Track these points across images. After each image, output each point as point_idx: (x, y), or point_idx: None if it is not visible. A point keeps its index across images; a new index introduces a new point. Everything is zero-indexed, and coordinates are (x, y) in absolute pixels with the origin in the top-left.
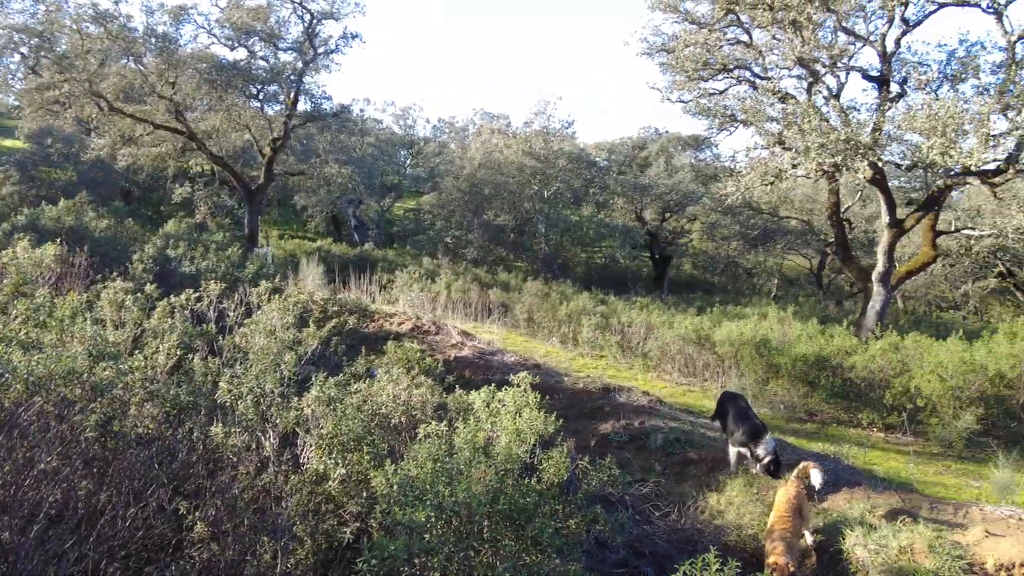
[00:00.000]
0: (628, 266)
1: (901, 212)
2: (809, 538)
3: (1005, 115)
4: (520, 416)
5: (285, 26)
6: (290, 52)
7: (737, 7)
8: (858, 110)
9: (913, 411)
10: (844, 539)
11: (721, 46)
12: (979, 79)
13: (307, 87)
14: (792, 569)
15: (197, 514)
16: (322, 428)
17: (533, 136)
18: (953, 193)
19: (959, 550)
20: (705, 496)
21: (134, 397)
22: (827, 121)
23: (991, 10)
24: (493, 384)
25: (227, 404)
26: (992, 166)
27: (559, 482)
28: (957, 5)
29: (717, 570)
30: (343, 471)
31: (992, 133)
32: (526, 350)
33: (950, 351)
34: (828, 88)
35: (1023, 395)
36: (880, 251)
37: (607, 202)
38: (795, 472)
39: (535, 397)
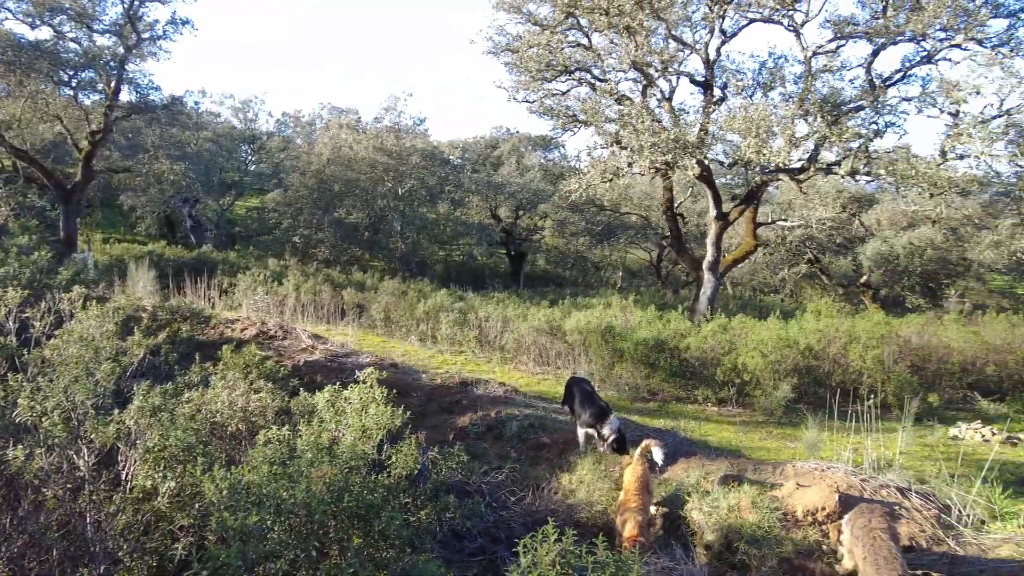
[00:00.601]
0: (486, 263)
1: (726, 206)
2: (653, 509)
3: (805, 120)
4: (366, 412)
5: (101, 5)
6: (108, 36)
7: (576, 11)
8: (687, 112)
9: (740, 385)
10: (683, 505)
11: (563, 48)
12: (785, 87)
13: (131, 75)
14: (642, 539)
15: None
16: (148, 441)
17: (384, 132)
18: (770, 189)
19: (776, 503)
20: (558, 477)
21: None
22: (659, 122)
23: (791, 28)
24: (338, 384)
25: (29, 423)
26: (798, 165)
27: (409, 475)
28: (764, 21)
29: (555, 540)
30: (173, 484)
31: (796, 135)
32: (383, 350)
33: (769, 330)
34: (661, 91)
35: (828, 364)
36: (709, 242)
37: (463, 200)
38: (638, 450)
39: (382, 392)
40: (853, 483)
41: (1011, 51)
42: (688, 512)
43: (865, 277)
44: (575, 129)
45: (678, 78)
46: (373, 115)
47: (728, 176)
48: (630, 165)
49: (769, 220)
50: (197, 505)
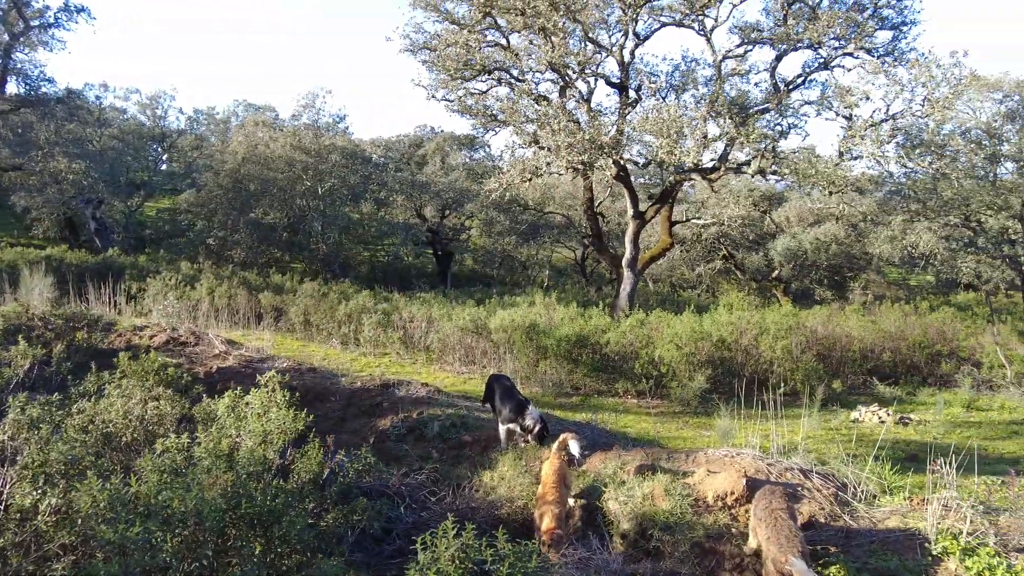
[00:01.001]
0: (413, 263)
1: (644, 205)
2: (572, 501)
3: (716, 122)
4: (268, 417)
5: None
6: None
7: (493, 11)
8: (604, 114)
9: (658, 377)
10: (600, 496)
11: (481, 47)
12: (696, 90)
13: (19, 65)
14: (559, 531)
15: None
16: (27, 456)
17: (302, 130)
18: (686, 188)
19: (688, 489)
20: (479, 475)
21: None
22: (576, 123)
23: (702, 33)
24: (239, 389)
25: None
26: (710, 164)
27: (316, 479)
28: (676, 26)
29: (455, 535)
30: (55, 501)
31: (708, 136)
32: (303, 355)
33: (684, 323)
34: (579, 92)
35: (740, 355)
36: (627, 240)
37: (387, 199)
38: (556, 444)
39: (284, 396)
40: (760, 467)
41: (895, 61)
42: (605, 503)
43: (776, 272)
44: (496, 129)
45: (595, 80)
46: (291, 112)
47: (645, 176)
48: (548, 165)
49: (684, 218)
50: (80, 521)
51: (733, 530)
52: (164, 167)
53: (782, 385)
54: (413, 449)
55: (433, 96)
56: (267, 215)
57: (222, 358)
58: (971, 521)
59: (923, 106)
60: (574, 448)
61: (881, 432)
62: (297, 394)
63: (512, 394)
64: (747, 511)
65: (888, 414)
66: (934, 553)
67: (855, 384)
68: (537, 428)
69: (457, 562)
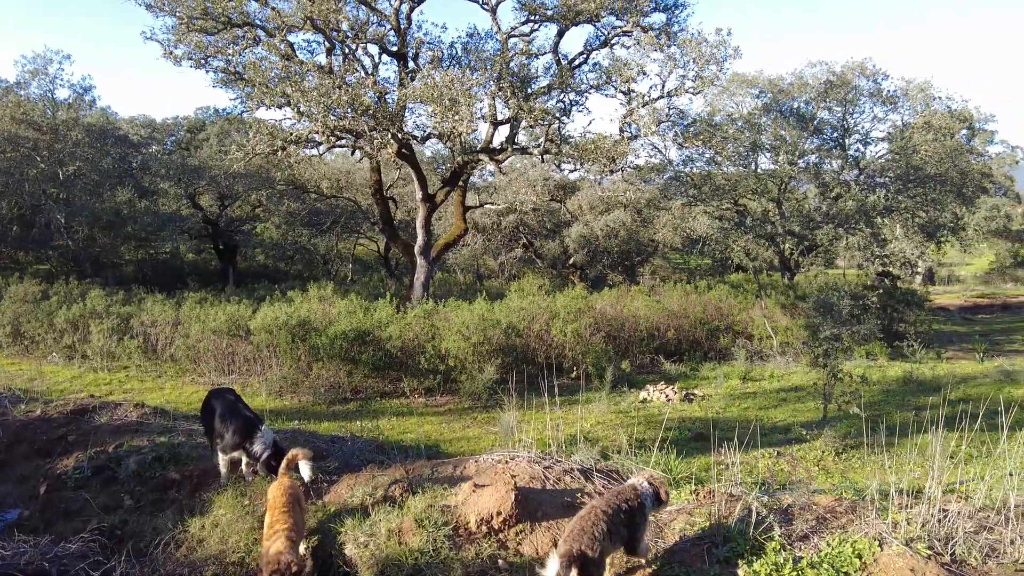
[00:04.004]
0: (195, 259)
1: (433, 188)
2: (303, 548)
3: (506, 102)
4: None
5: None
6: None
7: None
8: (384, 83)
9: (446, 372)
10: (338, 536)
11: None
12: (482, 65)
13: None
14: (289, 558)
15: None
16: None
17: (26, 102)
18: (487, 177)
19: (447, 515)
20: (186, 525)
21: None
22: (337, 82)
23: (486, 7)
24: None
25: None
26: (497, 146)
27: None
28: None
29: None
30: None
31: (491, 113)
32: (7, 376)
33: (472, 312)
34: (347, 54)
35: (533, 342)
36: (418, 225)
37: (154, 187)
38: (284, 463)
39: None
40: (537, 473)
41: (668, 40)
42: (340, 546)
43: (572, 259)
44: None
45: (380, 53)
46: (14, 78)
47: (441, 164)
48: (310, 136)
49: (477, 203)
50: None
51: (500, 561)
52: None
53: (575, 369)
54: (99, 497)
55: (172, 54)
56: None
57: None
58: (757, 513)
59: (695, 82)
60: (304, 469)
61: (670, 411)
62: None
63: (237, 412)
64: (519, 534)
65: (674, 391)
66: (722, 558)
67: (643, 363)
68: (266, 455)
69: None
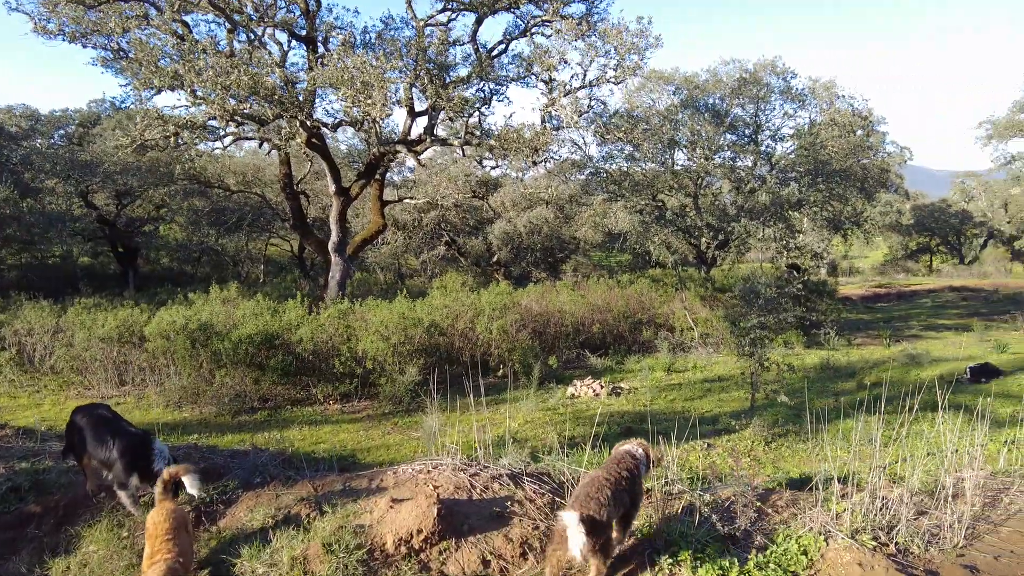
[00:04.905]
0: (91, 263)
1: (348, 181)
2: None
3: (423, 91)
4: None
5: None
6: None
7: None
8: (293, 71)
9: (364, 375)
10: (232, 568)
11: None
12: (398, 52)
13: None
14: None
15: None
16: None
17: None
18: (407, 173)
19: (361, 537)
20: (45, 568)
21: None
22: (242, 64)
23: None
24: None
25: None
26: (415, 137)
27: None
28: None
29: None
30: None
31: (403, 93)
32: None
33: (392, 310)
34: (252, 39)
35: (458, 340)
36: (332, 221)
37: (38, 184)
38: (159, 483)
39: None
40: (462, 482)
41: (589, 28)
42: None
43: (496, 256)
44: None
45: (289, 40)
46: None
47: (357, 160)
48: (196, 124)
49: (396, 198)
50: None
51: None
52: None
53: (501, 367)
54: None
55: (43, 28)
56: None
57: None
58: (699, 512)
59: (616, 71)
60: (190, 484)
61: (597, 406)
62: None
63: (119, 430)
64: (443, 552)
65: (601, 386)
66: (665, 567)
67: (570, 359)
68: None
69: None
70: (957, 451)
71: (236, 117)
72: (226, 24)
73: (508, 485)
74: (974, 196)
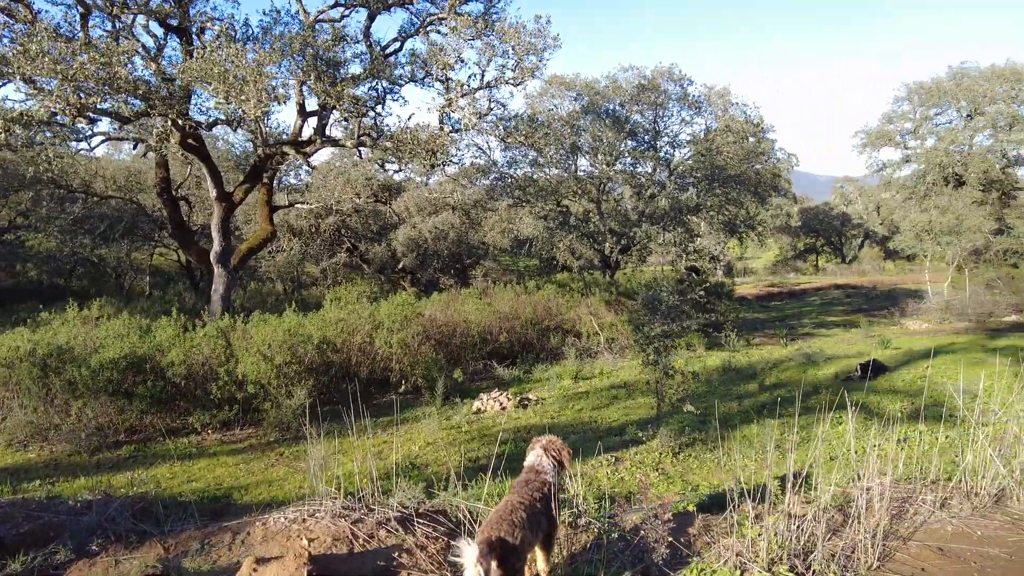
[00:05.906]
0: None
1: (232, 185)
2: None
3: (311, 90)
4: None
5: None
6: None
7: None
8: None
9: (246, 400)
10: None
11: None
12: (283, 48)
13: None
14: None
15: None
16: None
17: None
18: (304, 176)
19: None
20: None
21: None
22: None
23: None
24: None
25: None
26: (305, 137)
27: None
28: None
29: None
30: None
31: (307, 110)
32: None
33: (278, 327)
34: (115, 26)
35: (355, 356)
36: (214, 228)
37: None
38: None
39: None
40: (343, 531)
41: (486, 26)
42: None
43: (402, 263)
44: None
45: (165, 34)
46: None
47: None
48: (31, 118)
49: (286, 203)
50: None
51: None
52: None
53: (403, 383)
54: None
55: None
56: None
57: None
58: (607, 547)
59: (515, 72)
60: None
61: (503, 421)
62: None
63: None
64: None
65: (508, 398)
66: None
67: (476, 370)
68: None
69: None
70: (857, 453)
71: (87, 113)
72: (78, 7)
73: (397, 531)
74: (852, 200)
